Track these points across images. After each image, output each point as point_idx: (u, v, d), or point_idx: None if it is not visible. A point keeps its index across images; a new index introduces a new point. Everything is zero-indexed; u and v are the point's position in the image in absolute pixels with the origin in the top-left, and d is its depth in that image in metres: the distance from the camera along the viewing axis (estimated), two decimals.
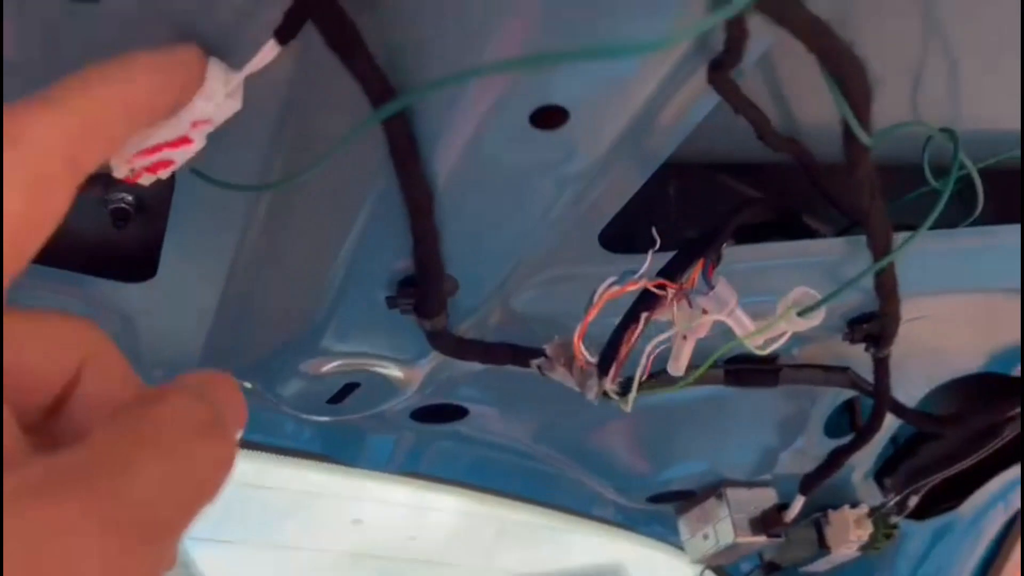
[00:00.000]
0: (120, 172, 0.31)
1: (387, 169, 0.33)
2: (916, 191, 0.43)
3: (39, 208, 0.20)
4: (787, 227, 0.50)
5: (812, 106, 0.44)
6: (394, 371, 0.47)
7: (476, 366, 0.49)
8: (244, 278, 0.42)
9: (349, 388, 0.49)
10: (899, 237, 0.39)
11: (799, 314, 0.33)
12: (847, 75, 0.26)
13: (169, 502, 0.18)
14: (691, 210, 0.56)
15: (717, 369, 0.51)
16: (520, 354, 0.44)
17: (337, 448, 0.61)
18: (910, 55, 0.40)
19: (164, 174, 0.30)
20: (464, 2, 0.27)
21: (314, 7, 0.27)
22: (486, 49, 0.28)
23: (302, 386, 0.49)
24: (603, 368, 0.33)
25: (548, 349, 0.34)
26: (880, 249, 0.36)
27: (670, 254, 0.42)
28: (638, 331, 0.34)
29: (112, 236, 0.44)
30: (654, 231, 0.39)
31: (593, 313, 0.33)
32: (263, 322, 0.46)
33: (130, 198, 0.41)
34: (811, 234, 0.51)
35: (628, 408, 0.33)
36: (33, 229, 0.19)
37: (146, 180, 0.30)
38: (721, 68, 0.29)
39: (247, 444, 0.58)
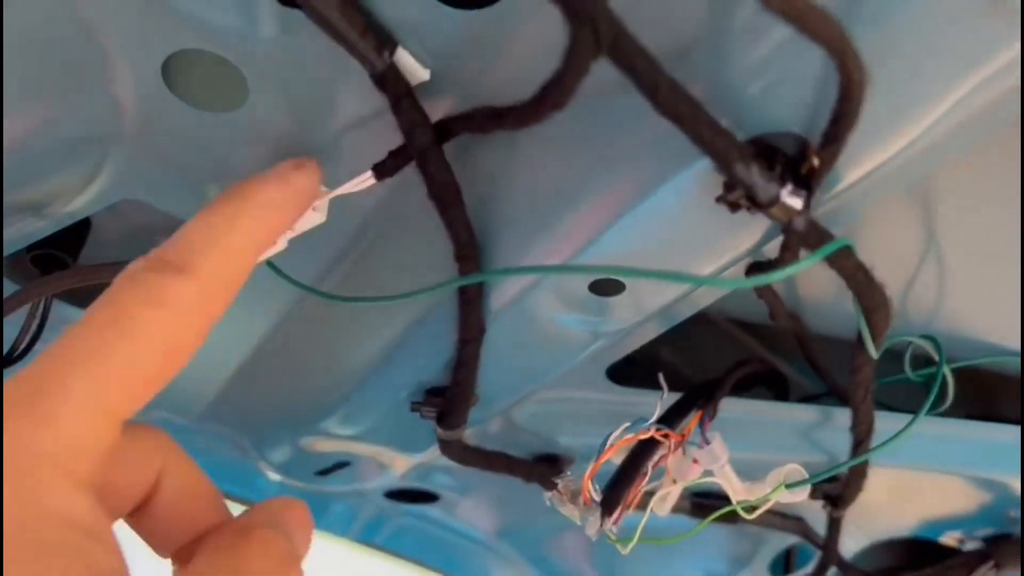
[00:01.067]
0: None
1: (446, 297, 0.36)
2: (893, 377, 0.48)
3: (173, 364, 0.22)
4: (768, 381, 0.54)
5: (811, 284, 0.49)
6: (389, 457, 0.49)
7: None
8: (270, 353, 0.44)
9: (339, 464, 0.51)
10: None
11: (787, 487, 0.37)
12: (876, 310, 0.30)
13: None
14: (677, 342, 0.60)
15: (683, 500, 0.54)
16: (516, 466, 0.46)
17: None
18: (907, 261, 0.45)
19: None
20: (552, 185, 0.31)
21: (414, 149, 0.30)
22: (563, 228, 0.31)
23: (296, 455, 0.50)
24: (608, 509, 0.36)
25: (560, 485, 0.37)
26: (862, 437, 0.40)
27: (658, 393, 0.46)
28: (645, 481, 0.37)
29: None
30: (661, 378, 0.42)
31: (605, 457, 0.36)
32: (274, 392, 0.48)
33: None
34: (786, 391, 0.55)
35: (626, 552, 0.36)
36: (157, 386, 0.22)
37: None
38: (759, 270, 0.32)
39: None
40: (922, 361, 0.48)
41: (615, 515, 0.36)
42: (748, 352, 0.56)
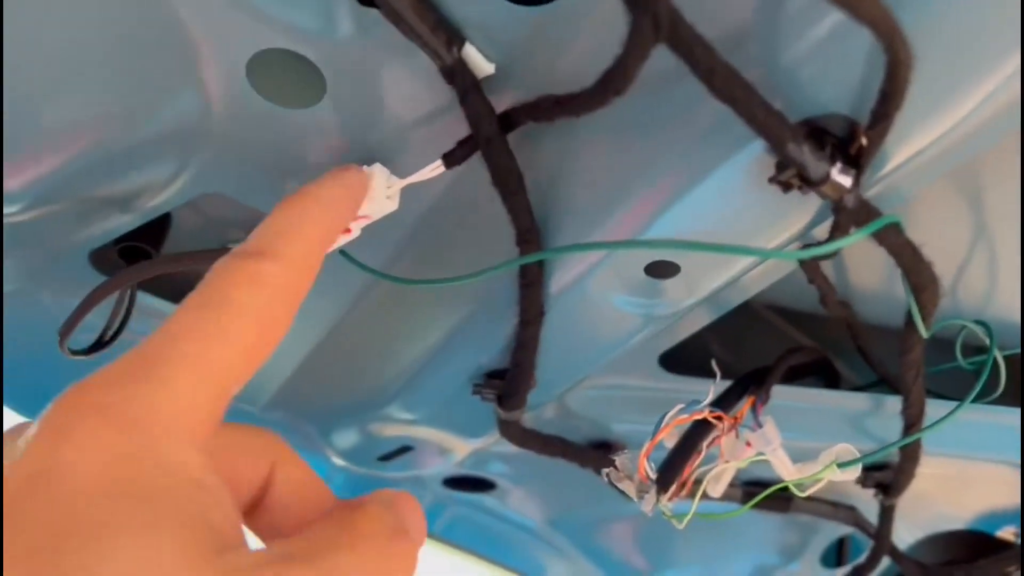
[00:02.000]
0: None
1: (507, 282, 0.38)
2: (946, 365, 0.48)
3: (268, 339, 0.24)
4: (819, 371, 0.55)
5: (863, 274, 0.50)
6: (450, 442, 0.51)
7: (514, 447, 0.53)
8: (336, 341, 0.46)
9: (402, 449, 0.53)
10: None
11: (839, 466, 0.38)
12: (924, 288, 0.31)
13: None
14: (725, 334, 0.61)
15: (735, 488, 0.55)
16: (570, 449, 0.48)
17: None
18: (959, 247, 0.46)
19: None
20: (610, 170, 0.32)
21: (479, 139, 0.32)
22: (621, 211, 0.33)
23: (360, 441, 0.53)
24: (663, 485, 0.37)
25: (617, 461, 0.38)
26: (914, 420, 0.40)
27: (706, 380, 0.47)
28: (700, 458, 0.38)
29: None
30: (714, 363, 0.43)
31: (661, 436, 0.38)
32: (340, 379, 0.50)
33: None
34: (838, 381, 0.56)
35: (681, 526, 0.37)
36: (256, 361, 0.24)
37: None
38: (815, 257, 0.34)
39: None
40: (974, 350, 0.48)
41: (670, 491, 0.37)
42: (796, 343, 0.57)
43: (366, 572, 0.22)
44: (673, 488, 0.37)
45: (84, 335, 0.44)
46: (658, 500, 0.37)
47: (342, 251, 0.37)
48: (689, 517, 0.36)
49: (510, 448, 0.54)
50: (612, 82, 0.25)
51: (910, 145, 0.29)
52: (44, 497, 0.18)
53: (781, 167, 0.28)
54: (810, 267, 0.37)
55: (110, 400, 0.20)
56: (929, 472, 0.55)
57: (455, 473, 0.59)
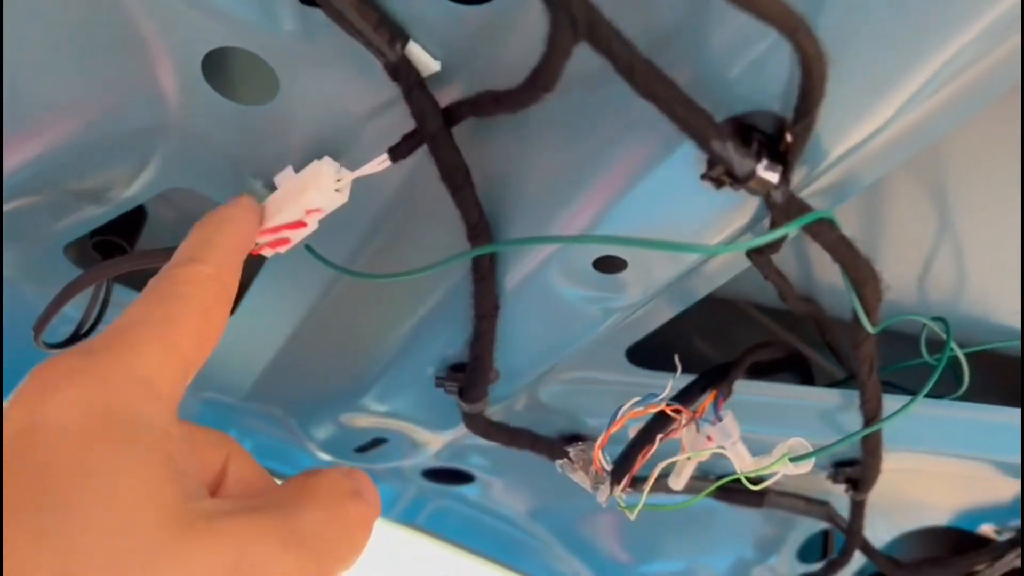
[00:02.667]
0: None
1: (460, 274, 0.38)
2: (911, 362, 0.48)
3: (211, 324, 0.28)
4: (792, 366, 0.55)
5: (828, 268, 0.50)
6: (421, 435, 0.52)
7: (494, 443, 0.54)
8: (307, 334, 0.47)
9: (377, 441, 0.54)
10: (891, 399, 0.45)
11: (792, 460, 0.38)
12: (864, 283, 0.31)
13: (330, 543, 0.24)
14: (708, 329, 0.61)
15: (709, 483, 0.55)
16: (539, 443, 0.49)
17: None
18: (923, 246, 0.46)
19: (282, 250, 0.36)
20: (556, 166, 0.33)
21: (426, 135, 0.32)
22: (567, 207, 0.33)
23: (335, 432, 0.54)
24: (616, 477, 0.38)
25: (571, 452, 0.39)
26: (871, 414, 0.41)
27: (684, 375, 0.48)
28: (652, 451, 0.39)
29: None
30: (676, 359, 0.44)
31: (614, 428, 0.38)
32: (313, 371, 0.51)
33: None
34: (811, 376, 0.56)
35: (632, 516, 0.37)
36: (206, 345, 0.27)
37: (267, 253, 0.36)
38: (761, 252, 0.34)
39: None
40: (941, 346, 0.48)
41: (623, 482, 0.37)
42: (777, 339, 0.58)
43: (327, 526, 0.24)
44: (625, 480, 0.37)
45: (65, 327, 0.45)
46: (611, 491, 0.37)
47: (307, 246, 0.38)
48: (639, 508, 0.37)
49: (487, 441, 0.55)
50: (539, 79, 0.26)
51: (848, 139, 0.29)
52: (30, 445, 0.21)
53: (711, 164, 0.28)
54: (761, 263, 0.37)
55: (85, 364, 0.23)
56: (903, 468, 0.55)
57: (434, 465, 0.60)
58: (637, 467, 0.38)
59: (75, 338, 0.44)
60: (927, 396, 0.45)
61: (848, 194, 0.33)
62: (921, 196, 0.47)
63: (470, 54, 0.31)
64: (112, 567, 0.19)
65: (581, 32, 0.24)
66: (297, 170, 0.36)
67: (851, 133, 0.29)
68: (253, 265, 0.44)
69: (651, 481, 0.38)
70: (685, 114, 0.26)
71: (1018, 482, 0.56)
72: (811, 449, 0.39)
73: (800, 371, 0.55)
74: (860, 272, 0.31)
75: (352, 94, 0.33)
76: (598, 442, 0.39)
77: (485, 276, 0.36)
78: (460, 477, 0.62)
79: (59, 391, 0.22)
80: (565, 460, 0.38)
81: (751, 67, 0.27)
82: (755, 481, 0.40)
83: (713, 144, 0.26)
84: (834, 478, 0.52)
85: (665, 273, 0.36)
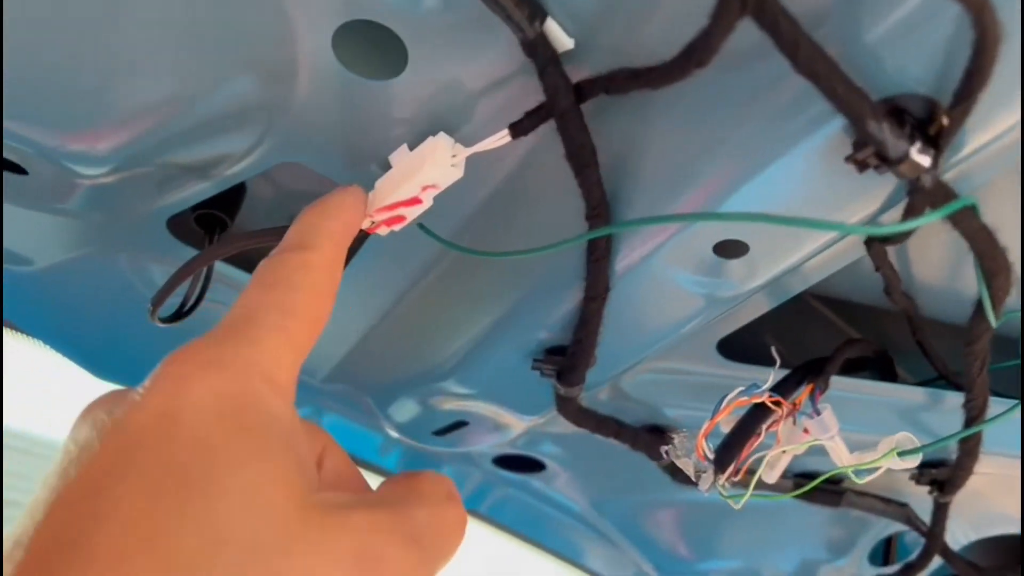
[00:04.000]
0: (363, 224, 0.36)
1: (572, 257, 0.38)
2: (1007, 363, 0.48)
3: (321, 309, 0.29)
4: (877, 365, 0.55)
5: (924, 267, 0.50)
6: (505, 418, 0.52)
7: (568, 428, 0.54)
8: (399, 315, 0.47)
9: (457, 424, 0.54)
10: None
11: (899, 455, 0.38)
12: (998, 274, 0.31)
13: (436, 541, 0.25)
14: (779, 326, 0.61)
15: (787, 480, 0.55)
16: (624, 431, 0.49)
17: None
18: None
19: (398, 228, 0.36)
20: (683, 146, 0.33)
21: (556, 112, 0.32)
22: (692, 188, 0.33)
23: (417, 414, 0.54)
24: (721, 466, 0.38)
25: (676, 440, 0.39)
26: (976, 413, 0.40)
27: (763, 368, 0.47)
28: (759, 441, 0.38)
29: None
30: (774, 350, 0.44)
31: (720, 416, 0.38)
32: (400, 353, 0.51)
33: None
34: (895, 375, 0.55)
35: (738, 507, 0.37)
36: (316, 330, 0.28)
37: (383, 231, 0.36)
38: (884, 241, 0.34)
39: None
40: None
41: (728, 471, 0.37)
42: (846, 337, 0.57)
43: (432, 524, 0.25)
44: (731, 468, 0.37)
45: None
46: (715, 480, 0.37)
47: (420, 224, 0.38)
48: (746, 498, 0.37)
49: (563, 428, 0.55)
50: (695, 54, 0.26)
51: (990, 129, 0.29)
52: (171, 430, 0.22)
53: (859, 145, 0.28)
54: (878, 254, 0.37)
55: (215, 356, 0.24)
56: (987, 472, 0.54)
57: (506, 452, 0.60)
58: (743, 457, 0.38)
59: (179, 314, 0.44)
60: (1013, 397, 0.44)
61: (972, 187, 0.32)
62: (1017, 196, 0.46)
63: (605, 30, 0.31)
64: (251, 548, 0.20)
65: (749, 7, 0.24)
66: (412, 147, 0.36)
67: (993, 125, 0.29)
68: (354, 244, 0.44)
69: (754, 473, 0.38)
70: (844, 93, 0.25)
71: None
72: (918, 445, 0.38)
73: (883, 370, 0.55)
74: (996, 263, 0.30)
75: (471, 70, 0.33)
76: (703, 430, 0.38)
77: (600, 258, 0.35)
78: (531, 465, 0.62)
79: (197, 381, 0.23)
80: (671, 446, 0.38)
81: (906, 48, 0.27)
82: (837, 480, 0.39)
83: (869, 124, 0.26)
84: (918, 479, 0.52)
85: (783, 261, 0.35)
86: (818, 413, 0.42)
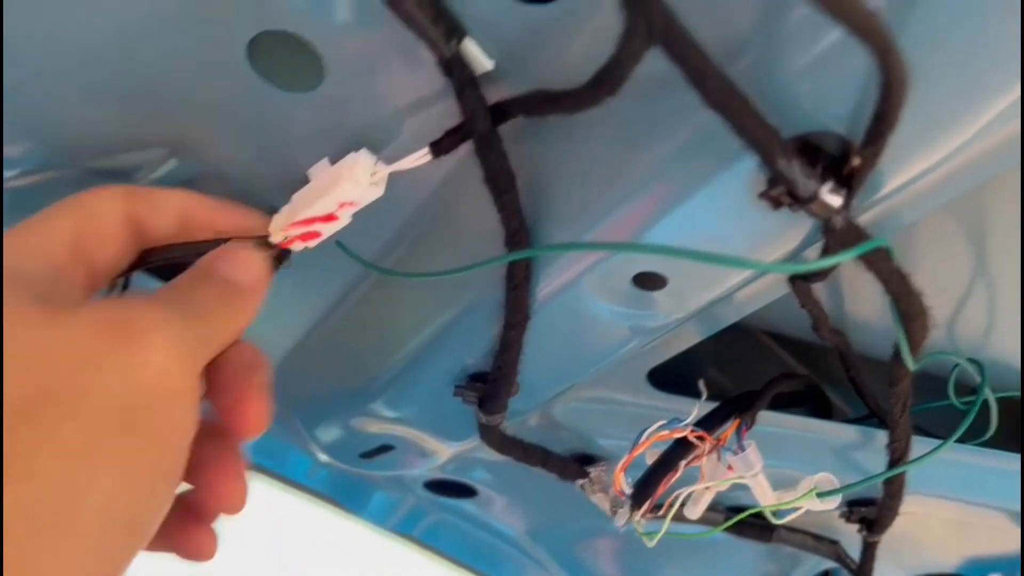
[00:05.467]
0: (276, 238, 0.35)
1: (490, 281, 0.37)
2: (937, 403, 0.47)
3: None
4: (810, 400, 0.54)
5: (856, 301, 0.49)
6: (431, 444, 0.50)
7: (499, 455, 0.53)
8: (324, 332, 0.46)
9: (383, 448, 0.52)
10: (914, 442, 0.44)
11: (819, 496, 0.37)
12: (914, 318, 0.30)
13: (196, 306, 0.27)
14: (723, 358, 0.60)
15: (718, 514, 0.54)
16: (553, 461, 0.48)
17: (345, 494, 0.65)
18: (956, 286, 0.45)
19: (312, 244, 0.35)
20: (603, 174, 0.32)
21: (479, 140, 0.32)
22: (611, 217, 0.32)
23: (342, 436, 0.52)
24: (637, 502, 0.37)
25: (593, 474, 0.38)
26: (899, 455, 0.40)
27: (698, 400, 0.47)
28: (676, 477, 0.38)
29: None
30: (701, 384, 0.43)
31: (639, 451, 0.37)
32: (327, 371, 0.50)
33: None
34: (830, 412, 0.55)
35: (651, 544, 0.36)
36: None
37: (297, 247, 0.35)
38: (806, 279, 0.33)
39: (267, 471, 0.61)
40: (970, 390, 0.47)
41: (644, 508, 0.36)
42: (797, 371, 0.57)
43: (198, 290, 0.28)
44: (647, 505, 0.36)
45: None
46: (631, 516, 0.36)
47: (337, 241, 0.37)
48: (660, 535, 0.36)
49: (493, 455, 0.54)
50: (604, 81, 0.25)
51: (907, 170, 0.29)
52: None
53: (772, 183, 0.27)
54: (801, 290, 0.36)
55: None
56: (917, 512, 0.54)
57: (437, 477, 0.59)
58: (660, 493, 0.37)
59: None
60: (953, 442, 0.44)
61: (891, 229, 0.32)
62: (954, 237, 0.46)
63: (527, 53, 0.30)
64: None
65: (656, 36, 0.23)
66: (333, 162, 0.35)
67: (911, 166, 0.29)
68: (278, 259, 0.43)
69: (672, 508, 0.37)
70: (753, 129, 0.25)
71: None
72: (838, 485, 0.38)
73: (817, 406, 0.54)
74: (911, 306, 0.30)
75: (396, 87, 0.32)
76: (620, 464, 0.38)
77: (519, 284, 0.35)
78: (462, 491, 0.61)
79: None
80: (586, 480, 0.37)
81: (822, 86, 0.26)
82: (779, 516, 0.39)
83: (779, 162, 0.25)
84: (848, 517, 0.51)
85: (704, 295, 0.35)
86: (743, 449, 0.41)
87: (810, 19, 0.25)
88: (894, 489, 0.44)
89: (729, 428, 0.43)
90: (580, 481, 0.38)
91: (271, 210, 0.35)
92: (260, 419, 0.28)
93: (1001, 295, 0.46)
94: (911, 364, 0.33)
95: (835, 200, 0.26)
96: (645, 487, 0.38)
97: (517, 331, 0.36)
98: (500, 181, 0.32)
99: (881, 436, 0.50)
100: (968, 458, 0.49)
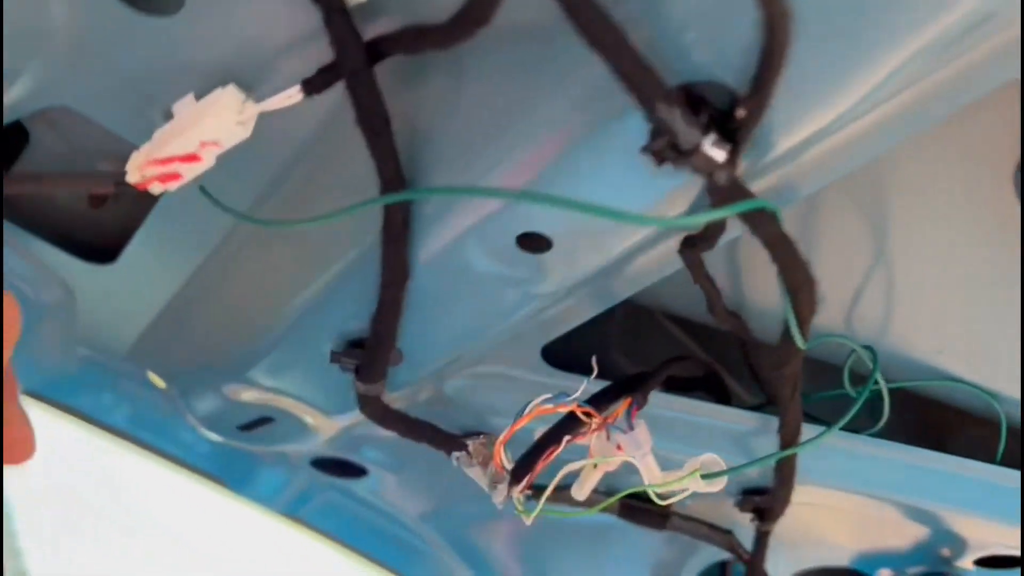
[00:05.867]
0: (133, 177, 0.32)
1: (373, 239, 0.35)
2: (832, 392, 0.47)
3: None
4: (709, 386, 0.53)
5: (759, 287, 0.48)
6: (312, 418, 0.48)
7: (387, 432, 0.51)
8: (198, 291, 0.43)
9: (263, 420, 0.49)
10: (807, 429, 0.43)
11: (703, 477, 0.36)
12: (800, 288, 0.29)
13: None
14: (629, 343, 0.59)
15: (602, 496, 0.52)
16: (439, 437, 0.45)
17: (228, 472, 0.61)
18: (856, 274, 0.45)
19: (172, 186, 0.32)
20: (490, 124, 0.30)
21: (351, 76, 0.29)
22: (496, 170, 0.30)
23: (218, 405, 0.49)
24: (516, 477, 0.35)
25: (470, 445, 0.36)
26: (788, 439, 0.39)
27: (598, 381, 0.45)
28: (557, 451, 0.36)
29: (83, 213, 0.45)
30: (593, 361, 0.41)
31: (521, 423, 0.35)
32: (201, 335, 0.46)
33: None
34: (728, 398, 0.54)
35: (528, 521, 0.34)
36: None
37: (155, 189, 0.32)
38: (694, 247, 0.32)
39: (142, 443, 0.57)
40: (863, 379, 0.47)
41: (523, 483, 0.34)
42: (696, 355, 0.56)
43: None
44: (526, 480, 0.34)
45: None
46: (509, 491, 0.34)
47: (201, 187, 0.34)
48: (537, 511, 0.34)
49: (382, 432, 0.51)
50: (473, 11, 0.23)
51: (798, 130, 0.27)
52: None
53: (655, 134, 0.25)
54: (691, 262, 0.35)
55: None
56: (811, 503, 0.53)
57: (325, 454, 0.56)
58: (539, 468, 0.35)
59: None
60: (843, 429, 0.44)
61: (788, 200, 0.30)
62: (855, 222, 0.45)
63: None
64: None
65: None
66: (199, 99, 0.32)
67: (802, 125, 0.27)
68: (142, 204, 0.39)
69: (552, 486, 0.35)
70: (632, 70, 0.23)
71: (921, 528, 0.55)
72: (724, 467, 0.36)
73: (716, 391, 0.53)
74: (797, 276, 0.29)
75: (269, 19, 0.30)
76: (500, 438, 0.36)
77: (396, 237, 0.32)
78: (351, 470, 0.58)
79: None
80: (463, 453, 0.35)
81: (709, 32, 0.25)
82: (661, 498, 0.37)
83: (659, 107, 0.24)
84: (741, 505, 0.50)
85: (591, 260, 0.33)
86: (631, 428, 0.40)
87: None
88: (786, 475, 0.43)
89: (620, 407, 0.41)
90: (456, 454, 0.36)
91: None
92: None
93: (900, 286, 0.45)
94: (800, 342, 0.32)
95: (719, 154, 0.24)
96: (525, 462, 0.36)
97: (394, 290, 0.34)
98: (374, 123, 0.29)
99: (776, 423, 0.49)
100: (861, 448, 0.48)
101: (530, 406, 0.36)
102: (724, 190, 0.25)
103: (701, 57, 0.25)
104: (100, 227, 0.45)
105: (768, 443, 0.50)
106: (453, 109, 0.30)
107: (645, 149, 0.26)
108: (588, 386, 0.40)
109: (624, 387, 0.42)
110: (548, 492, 0.34)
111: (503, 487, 0.35)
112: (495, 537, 0.64)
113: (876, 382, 0.43)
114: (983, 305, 0.46)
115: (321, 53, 0.29)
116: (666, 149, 0.25)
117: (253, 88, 0.31)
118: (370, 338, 0.37)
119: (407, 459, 0.57)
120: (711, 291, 0.38)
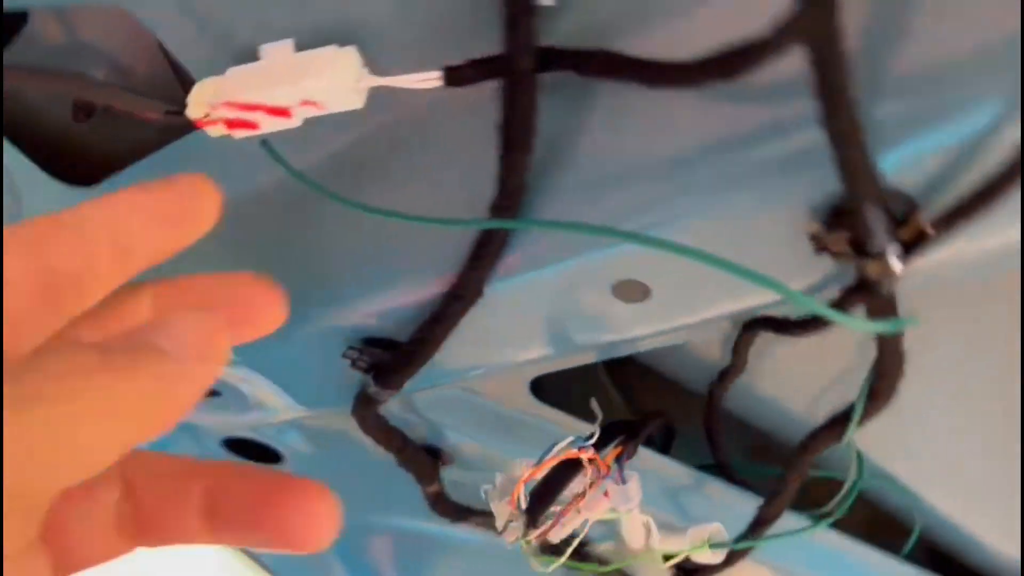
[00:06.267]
0: (195, 112, 0.28)
1: (443, 242, 0.32)
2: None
3: None
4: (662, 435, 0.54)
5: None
6: (272, 401, 0.43)
7: (327, 423, 0.47)
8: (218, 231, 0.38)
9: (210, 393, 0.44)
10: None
11: (711, 546, 0.36)
12: (880, 396, 0.30)
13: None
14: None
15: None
16: (406, 448, 0.43)
17: None
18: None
19: (239, 135, 0.28)
20: (637, 173, 0.28)
21: (516, 79, 0.26)
22: (629, 216, 0.29)
23: None
24: (532, 520, 0.33)
25: (499, 479, 0.34)
26: (767, 520, 0.39)
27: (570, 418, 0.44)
28: (583, 501, 0.34)
29: (65, 127, 0.39)
30: (594, 403, 0.40)
31: (546, 466, 0.33)
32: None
33: None
34: (669, 446, 0.54)
35: (548, 572, 0.33)
36: None
37: (215, 131, 0.28)
38: (776, 331, 0.32)
39: None
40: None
41: (541, 529, 0.33)
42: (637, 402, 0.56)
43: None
44: (546, 527, 0.33)
45: None
46: (526, 533, 0.33)
47: (263, 141, 0.30)
48: (557, 564, 0.33)
49: (322, 423, 0.48)
50: (731, 63, 0.22)
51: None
52: None
53: (832, 225, 0.25)
54: (747, 340, 0.35)
55: None
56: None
57: (243, 435, 0.51)
58: (561, 514, 0.34)
59: None
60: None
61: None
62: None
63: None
64: None
65: (806, 36, 0.20)
66: (299, 49, 0.29)
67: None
68: (174, 132, 0.34)
69: (576, 541, 0.34)
70: (857, 164, 0.22)
71: None
72: (727, 539, 0.37)
73: (663, 443, 0.54)
74: (886, 389, 0.29)
75: None
76: (523, 477, 0.34)
77: (488, 255, 0.30)
78: (266, 455, 0.53)
79: None
80: (491, 486, 0.33)
81: (915, 137, 0.25)
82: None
83: (867, 207, 0.23)
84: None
85: (680, 318, 0.32)
86: (624, 481, 0.39)
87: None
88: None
89: (609, 454, 0.41)
90: (486, 486, 0.34)
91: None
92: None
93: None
94: (847, 439, 0.33)
95: (897, 266, 0.24)
96: (537, 505, 0.34)
97: (461, 305, 0.31)
98: (519, 135, 0.27)
99: (714, 486, 0.50)
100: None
101: (555, 449, 0.34)
102: (880, 298, 0.26)
103: (899, 158, 0.25)
104: (77, 144, 0.39)
105: (698, 501, 0.51)
106: (606, 142, 0.28)
107: (813, 236, 0.26)
108: (572, 430, 0.39)
109: (616, 433, 0.42)
110: (573, 546, 0.33)
111: (517, 526, 0.33)
112: (387, 553, 0.61)
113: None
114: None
115: (463, 37, 0.27)
116: (838, 242, 0.25)
117: (376, 55, 0.28)
118: (410, 344, 0.33)
119: (330, 454, 0.53)
120: (739, 365, 0.38)
